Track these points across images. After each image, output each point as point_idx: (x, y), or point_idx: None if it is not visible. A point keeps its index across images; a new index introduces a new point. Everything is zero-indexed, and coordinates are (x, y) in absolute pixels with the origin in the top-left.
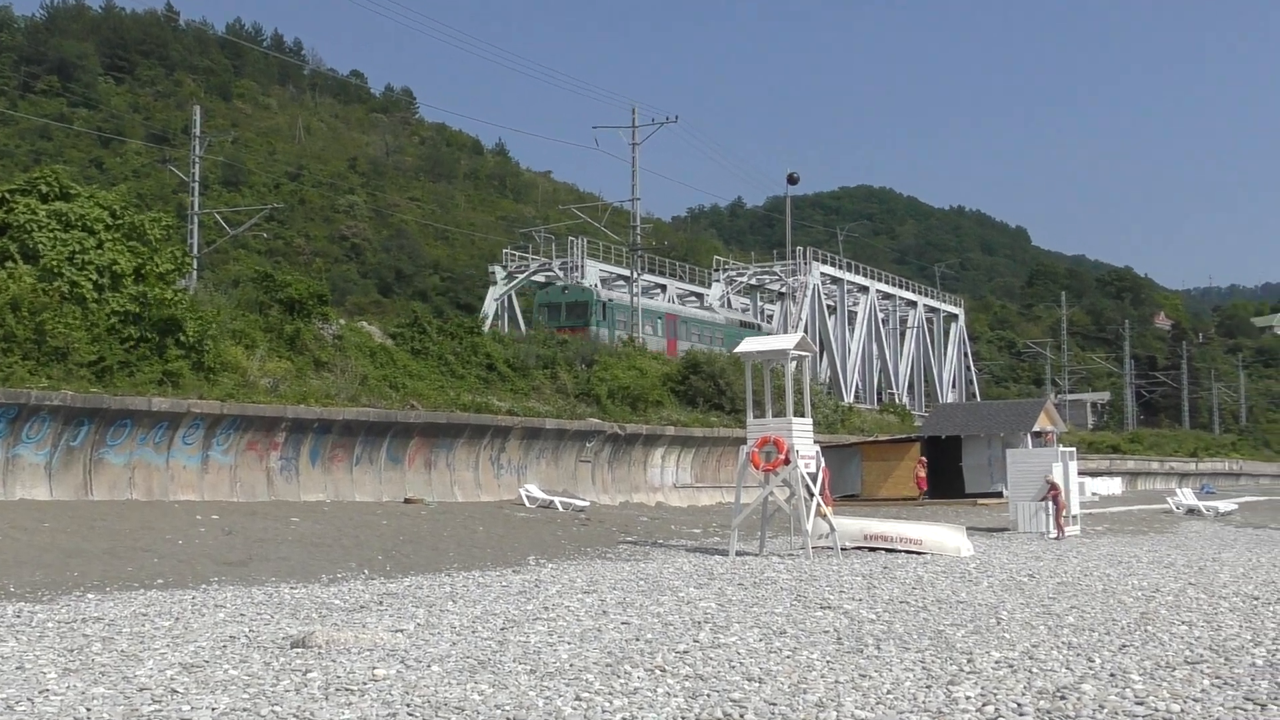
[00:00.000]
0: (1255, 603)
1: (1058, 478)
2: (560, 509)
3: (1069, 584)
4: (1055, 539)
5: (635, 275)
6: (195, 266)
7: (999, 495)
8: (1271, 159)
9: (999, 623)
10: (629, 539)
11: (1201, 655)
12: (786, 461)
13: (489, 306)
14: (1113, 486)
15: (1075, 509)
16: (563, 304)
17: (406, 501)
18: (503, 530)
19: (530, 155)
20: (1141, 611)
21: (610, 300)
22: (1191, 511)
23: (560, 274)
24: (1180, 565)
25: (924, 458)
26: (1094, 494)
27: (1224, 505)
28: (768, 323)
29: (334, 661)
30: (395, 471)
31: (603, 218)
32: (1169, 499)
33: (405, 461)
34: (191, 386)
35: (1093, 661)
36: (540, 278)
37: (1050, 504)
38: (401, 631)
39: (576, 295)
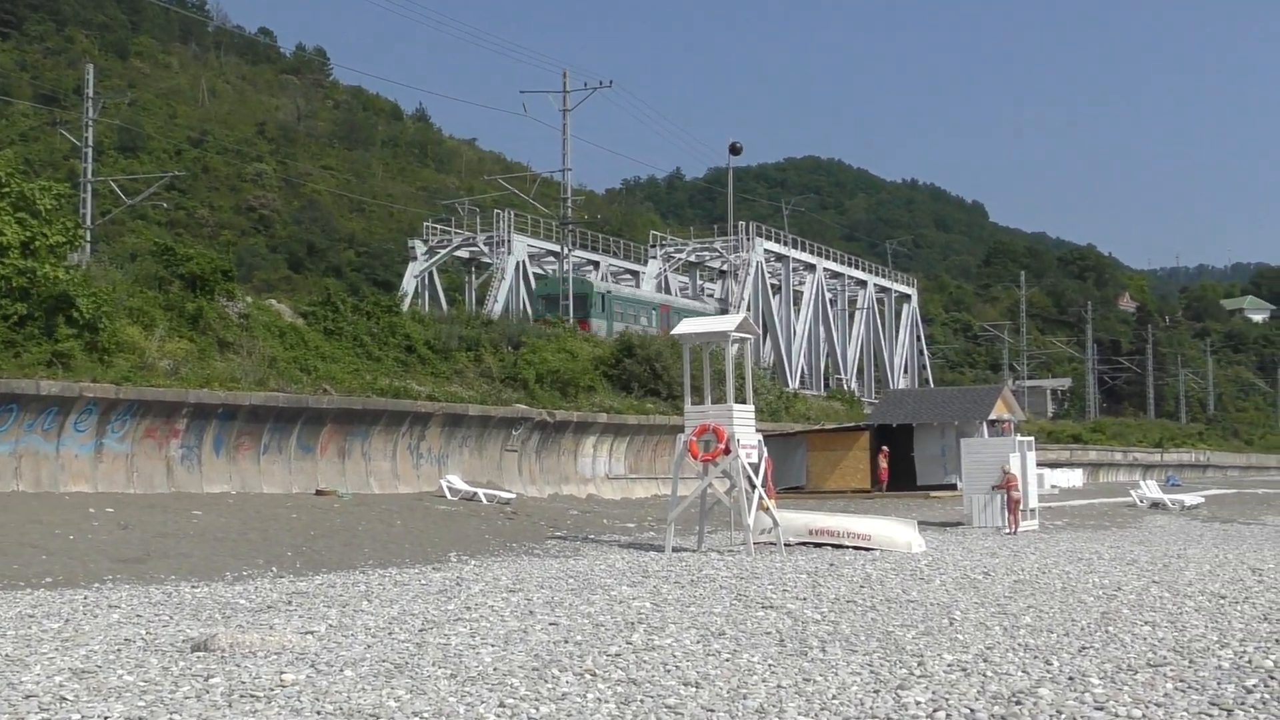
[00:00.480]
0: (1222, 602)
1: (1015, 468)
2: (484, 502)
3: (1026, 582)
4: (1009, 534)
5: (565, 251)
6: (88, 239)
7: (953, 488)
8: (1241, 133)
9: (952, 623)
10: (558, 534)
11: (1165, 657)
12: (727, 451)
13: (408, 284)
14: (1073, 479)
15: (1034, 502)
16: (560, 295)
17: (318, 493)
18: (422, 524)
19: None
20: (1102, 611)
21: (609, 292)
22: (1156, 505)
23: (484, 249)
24: (1144, 562)
25: (886, 447)
26: (1054, 486)
27: (1190, 498)
28: (706, 300)
29: (238, 666)
30: (306, 461)
31: (531, 189)
32: (1132, 492)
33: (317, 450)
34: (84, 369)
35: (1050, 664)
36: (464, 253)
37: (1003, 495)
38: (312, 633)
39: (576, 287)
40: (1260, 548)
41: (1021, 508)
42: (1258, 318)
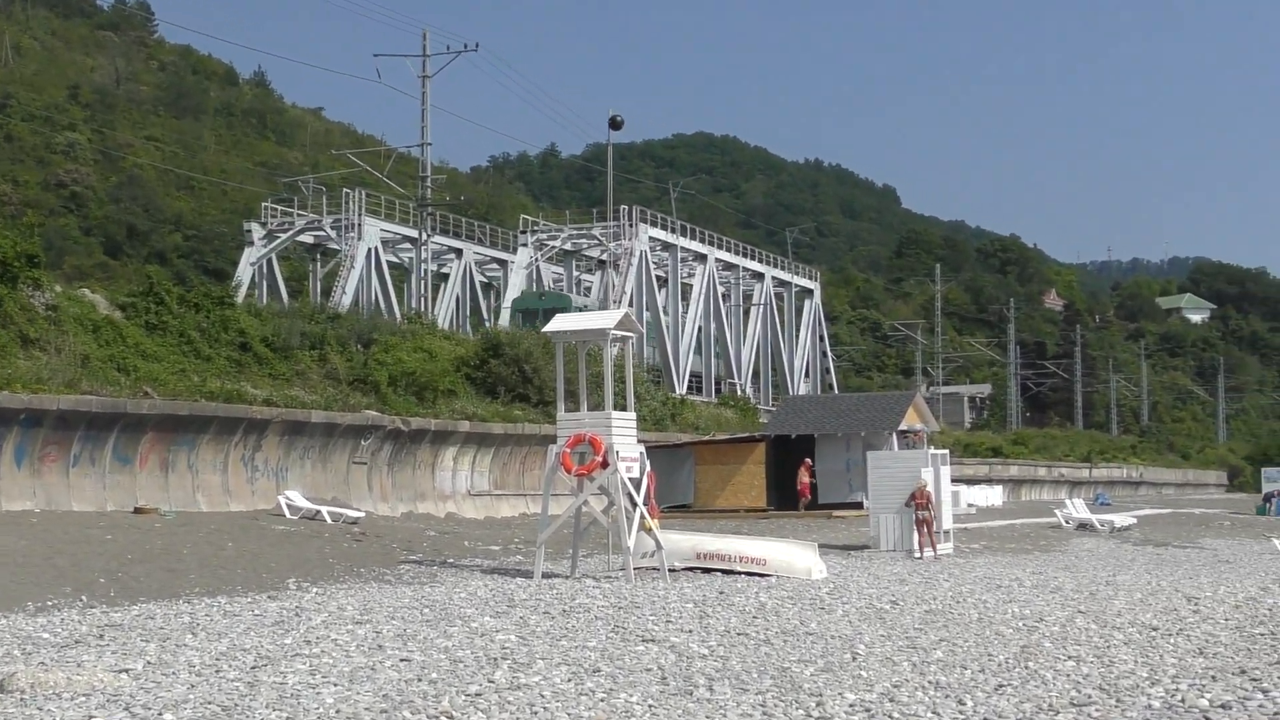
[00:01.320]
0: (1154, 634)
1: (930, 483)
2: (329, 521)
3: (938, 612)
4: (919, 558)
5: (424, 237)
6: None
7: (858, 506)
8: (1174, 115)
9: (855, 658)
10: (412, 558)
11: (1090, 696)
12: (604, 465)
13: (243, 272)
14: (992, 496)
15: (948, 523)
16: (540, 310)
17: (137, 511)
18: (257, 546)
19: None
20: (1022, 645)
21: (585, 306)
22: (1083, 526)
23: (331, 233)
24: (1069, 590)
25: (809, 459)
26: (970, 505)
27: (1121, 519)
28: (586, 295)
29: (40, 709)
30: (124, 474)
31: (386, 166)
32: (1058, 511)
33: (136, 462)
34: None
35: (964, 704)
36: (307, 238)
37: (914, 513)
38: (127, 672)
39: (553, 301)
40: (1196, 574)
41: (935, 529)
42: (1196, 318)
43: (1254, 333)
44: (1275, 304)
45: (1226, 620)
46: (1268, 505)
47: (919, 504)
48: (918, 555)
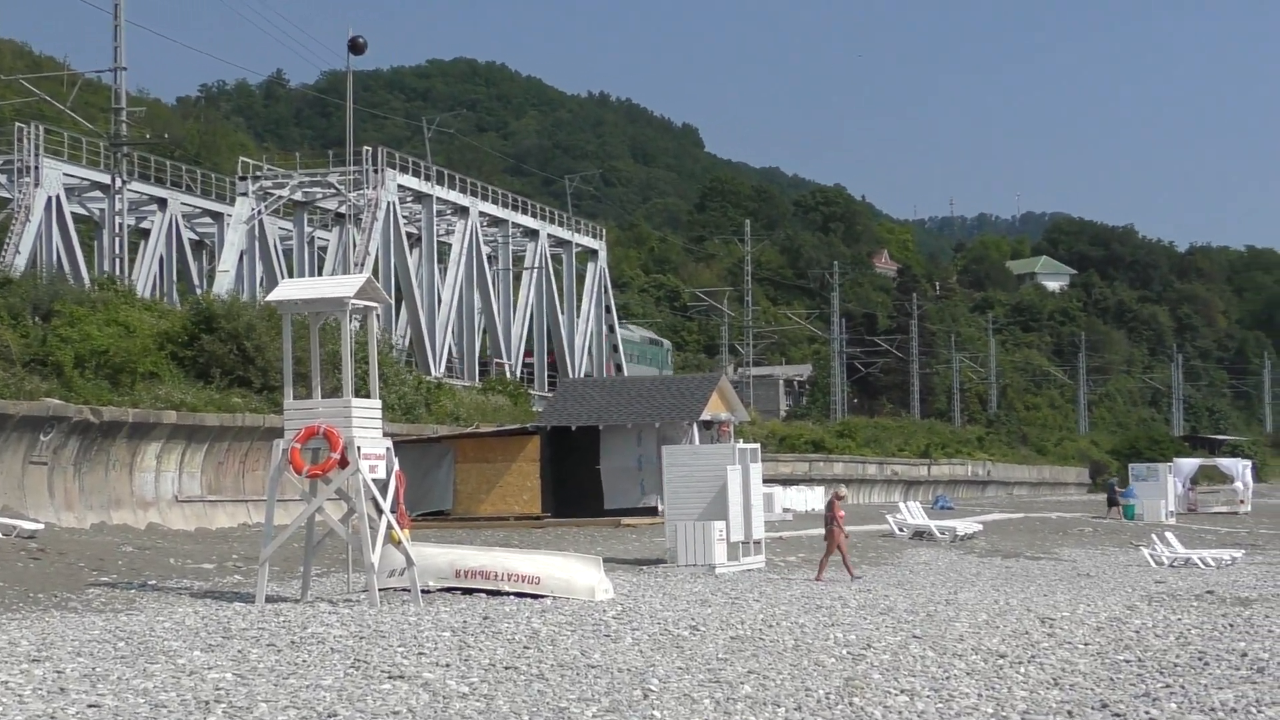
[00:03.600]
0: (1001, 662)
1: (735, 483)
2: None
3: (747, 639)
4: (820, 582)
5: (120, 184)
6: None
7: (653, 512)
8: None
9: (647, 696)
10: (104, 579)
11: None
12: (343, 463)
13: None
14: (813, 499)
15: (759, 532)
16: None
17: None
18: None
19: None
20: (846, 676)
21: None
22: (920, 534)
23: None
24: (902, 610)
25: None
26: (786, 510)
27: (964, 525)
28: (345, 265)
29: None
30: None
31: (70, 96)
32: (890, 517)
33: None
34: None
35: None
36: None
37: (826, 528)
38: None
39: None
40: (1052, 590)
41: (747, 537)
42: (1053, 285)
43: (1120, 303)
44: (1145, 269)
45: (1086, 645)
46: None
47: (833, 519)
48: (817, 580)
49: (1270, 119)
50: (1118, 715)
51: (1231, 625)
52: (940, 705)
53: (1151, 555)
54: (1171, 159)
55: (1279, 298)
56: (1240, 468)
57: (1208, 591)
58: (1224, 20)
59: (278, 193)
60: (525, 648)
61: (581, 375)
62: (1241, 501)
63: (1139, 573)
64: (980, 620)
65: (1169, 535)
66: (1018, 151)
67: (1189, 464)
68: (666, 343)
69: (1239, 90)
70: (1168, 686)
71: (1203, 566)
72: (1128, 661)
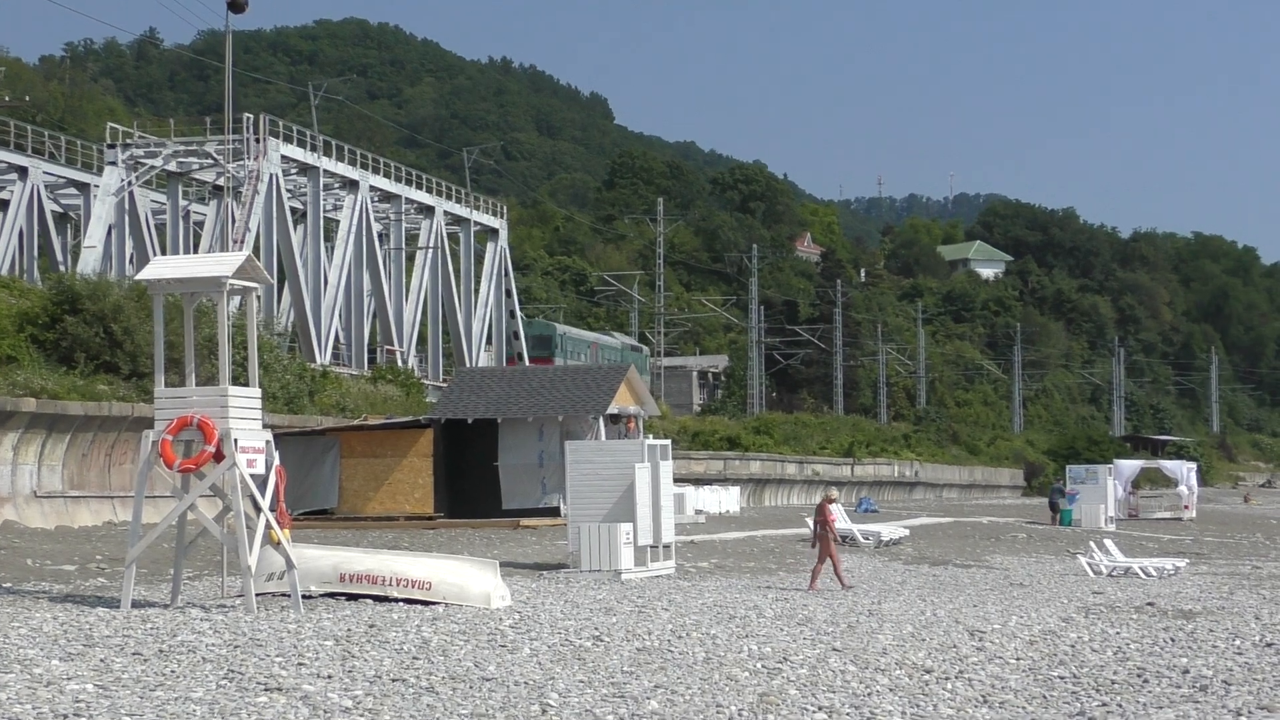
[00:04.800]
0: (927, 678)
1: (643, 483)
2: None
3: (654, 650)
4: (812, 591)
5: None
6: None
7: (554, 513)
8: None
9: (545, 711)
10: None
11: None
12: (218, 457)
13: None
14: (728, 500)
15: (668, 535)
16: (528, 336)
17: None
18: None
19: None
20: (760, 692)
21: (565, 334)
22: (843, 539)
23: None
24: (821, 621)
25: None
26: (699, 512)
27: (889, 530)
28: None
29: None
30: None
31: None
32: (809, 520)
33: None
34: None
35: None
36: None
37: (816, 532)
38: None
39: (540, 329)
40: (982, 600)
41: (656, 541)
42: (988, 273)
43: (1059, 292)
44: (1085, 256)
45: (1018, 660)
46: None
47: (823, 523)
48: (809, 590)
49: (1219, 99)
50: None
51: (1173, 640)
52: None
53: (1089, 564)
54: (1115, 139)
55: (1228, 288)
56: (1184, 470)
57: (1148, 603)
58: None
59: (150, 162)
60: (414, 658)
61: (480, 365)
62: (1186, 507)
63: (1075, 582)
64: (905, 632)
65: (1108, 542)
66: (950, 128)
67: (1130, 466)
68: (645, 349)
69: (1186, 69)
70: (1105, 705)
71: (1144, 576)
72: (1062, 678)
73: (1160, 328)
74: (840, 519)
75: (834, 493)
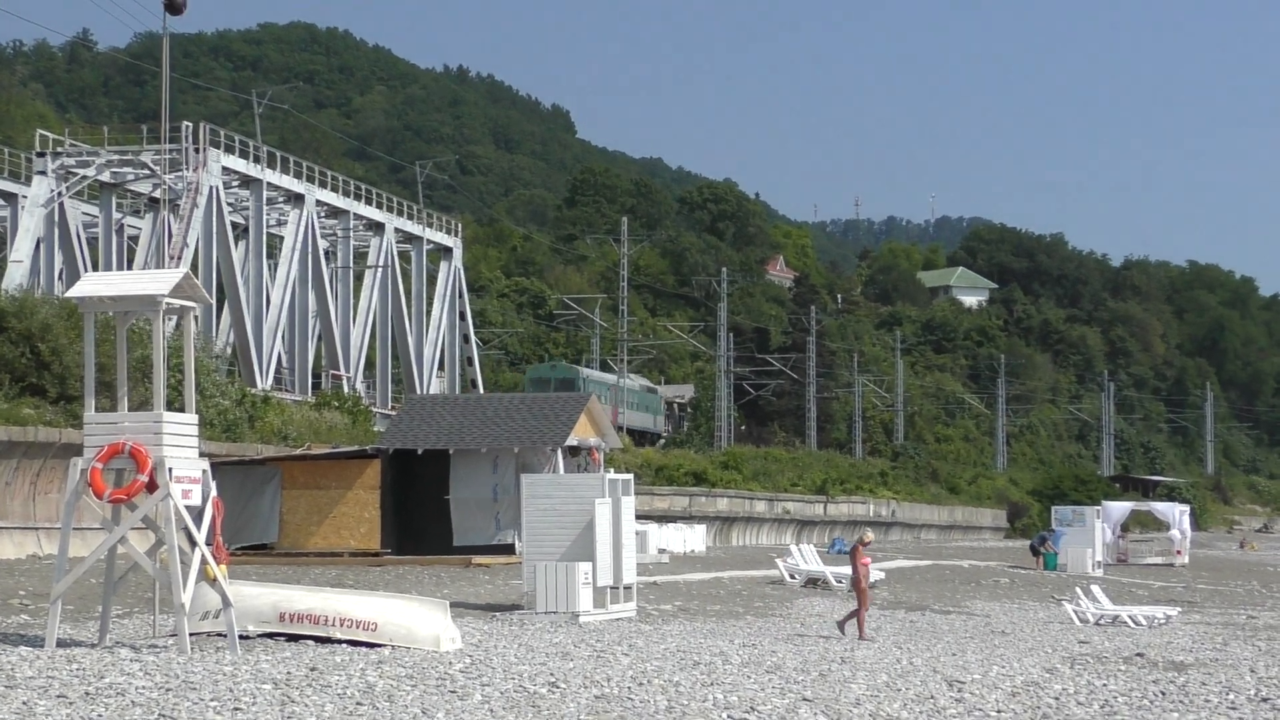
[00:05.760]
0: None
1: (604, 519)
2: None
3: (613, 698)
4: (857, 639)
5: None
6: None
7: (509, 550)
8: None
9: None
10: None
11: None
12: (152, 487)
13: None
14: (693, 539)
15: (629, 576)
16: (552, 379)
17: None
18: None
19: None
20: None
21: (589, 377)
22: (815, 582)
23: None
24: (791, 669)
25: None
26: (662, 551)
27: None
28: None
29: None
30: None
31: None
32: (780, 561)
33: None
34: None
35: None
36: None
37: (851, 577)
38: None
39: (564, 373)
40: (962, 648)
41: (618, 581)
42: (971, 301)
43: (1046, 323)
44: (1074, 285)
45: (999, 713)
46: (1044, 544)
47: (857, 564)
48: (850, 638)
49: (1216, 122)
50: None
51: (1164, 693)
52: None
53: (1075, 611)
54: (1106, 161)
55: (1224, 321)
56: (1177, 513)
57: (1138, 654)
58: (1165, 10)
59: (82, 172)
60: (358, 704)
61: (431, 392)
62: (1178, 552)
63: (1060, 631)
64: (880, 682)
65: (1095, 589)
66: (933, 147)
67: (1119, 508)
68: (660, 390)
69: (1182, 89)
70: None
71: (1133, 625)
72: None
73: (1152, 361)
74: (812, 561)
75: (869, 535)
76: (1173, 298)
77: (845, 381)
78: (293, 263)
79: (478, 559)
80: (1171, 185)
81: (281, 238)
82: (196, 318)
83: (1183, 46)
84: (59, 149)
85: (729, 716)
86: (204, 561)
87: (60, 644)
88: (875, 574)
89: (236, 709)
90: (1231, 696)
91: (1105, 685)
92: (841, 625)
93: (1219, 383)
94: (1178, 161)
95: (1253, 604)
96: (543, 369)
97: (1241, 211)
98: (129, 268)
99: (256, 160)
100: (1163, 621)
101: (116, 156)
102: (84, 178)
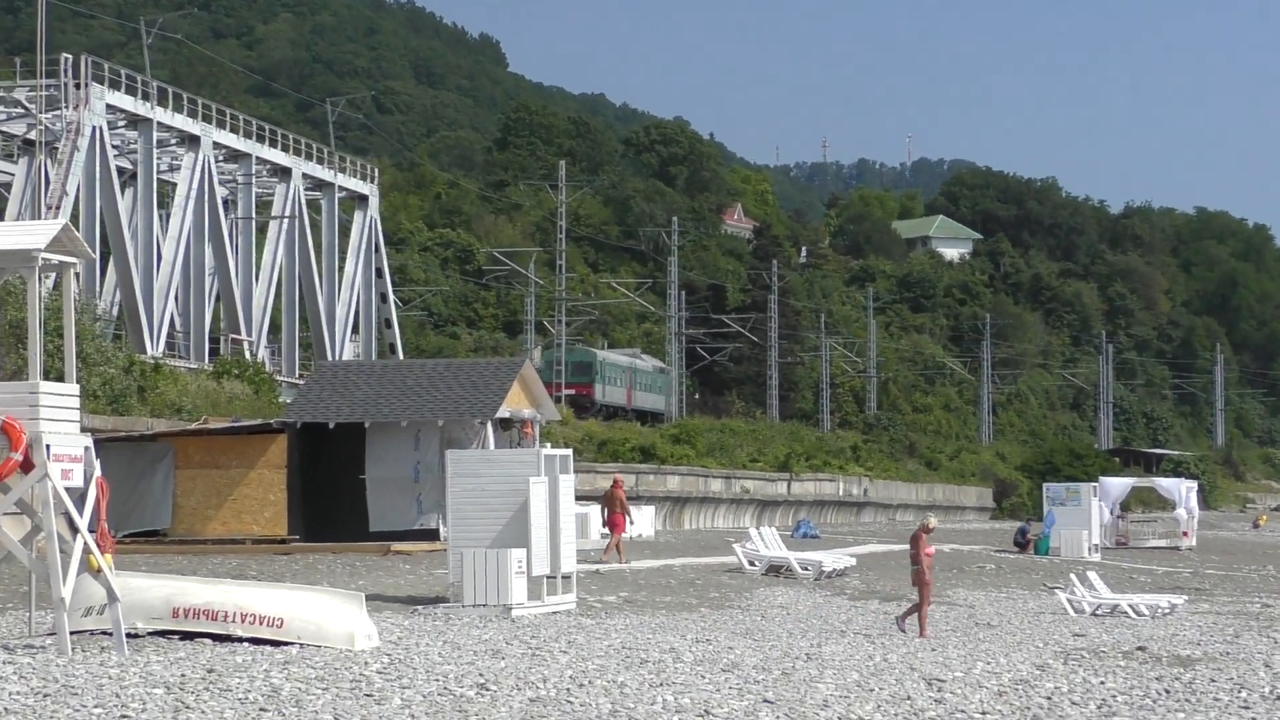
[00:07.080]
0: None
1: (539, 500)
2: None
3: (550, 701)
4: (915, 636)
5: None
6: None
7: (433, 536)
8: None
9: None
10: None
11: None
12: (26, 467)
13: None
14: (641, 522)
15: (569, 564)
16: (569, 363)
17: None
18: None
19: None
20: None
21: (605, 359)
22: (777, 569)
23: None
24: (750, 667)
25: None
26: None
27: (833, 559)
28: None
29: None
30: None
31: None
32: (738, 547)
33: None
34: None
35: None
36: None
37: (915, 569)
38: None
39: (580, 356)
40: (942, 643)
41: (553, 574)
42: (953, 253)
43: (1036, 277)
44: (1068, 235)
45: (984, 715)
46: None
47: (919, 557)
48: (909, 634)
49: (1224, 56)
50: None
51: (1168, 691)
52: None
53: (1069, 600)
54: (1104, 98)
55: (1235, 275)
56: (1183, 491)
57: (1139, 648)
58: None
59: None
60: (261, 710)
61: (344, 358)
62: (1184, 533)
63: (1053, 622)
64: (850, 681)
65: (1092, 575)
66: (909, 83)
67: (1119, 485)
68: (671, 370)
69: (1187, 19)
70: None
71: (1134, 615)
72: None
73: (1156, 321)
74: (774, 546)
75: (932, 521)
76: (1178, 249)
77: (811, 345)
78: (187, 213)
79: (397, 546)
80: (1176, 124)
81: (174, 185)
82: (78, 275)
83: None
84: None
85: (679, 719)
86: (87, 550)
87: None
88: (845, 560)
89: (124, 716)
90: (1244, 694)
91: (1103, 683)
92: (900, 622)
93: (1230, 345)
94: (1184, 99)
95: (1268, 591)
96: (581, 353)
97: (1255, 153)
98: (0, 219)
99: (146, 97)
100: (1167, 611)
101: None
102: None
